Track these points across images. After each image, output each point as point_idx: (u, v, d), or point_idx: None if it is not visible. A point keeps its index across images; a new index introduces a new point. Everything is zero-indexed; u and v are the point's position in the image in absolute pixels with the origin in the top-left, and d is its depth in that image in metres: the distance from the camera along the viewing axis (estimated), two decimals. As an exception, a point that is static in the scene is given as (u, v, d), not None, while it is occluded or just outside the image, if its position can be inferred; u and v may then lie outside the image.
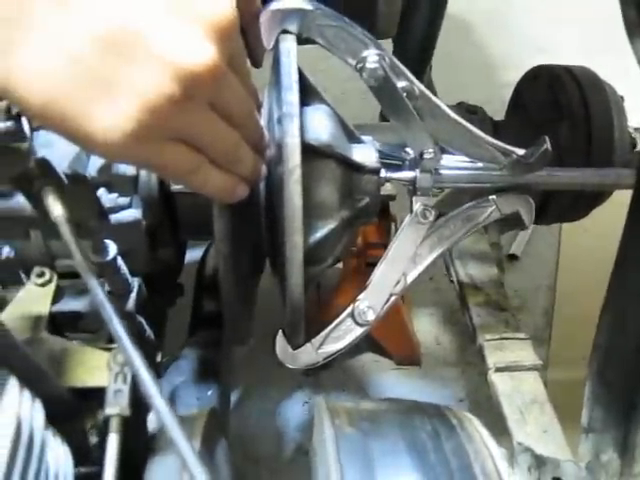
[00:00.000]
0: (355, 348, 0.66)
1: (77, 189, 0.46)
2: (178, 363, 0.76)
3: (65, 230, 0.40)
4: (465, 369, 1.26)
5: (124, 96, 0.36)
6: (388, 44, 1.12)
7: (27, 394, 0.35)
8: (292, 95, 0.52)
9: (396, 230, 1.08)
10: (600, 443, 0.55)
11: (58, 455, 0.38)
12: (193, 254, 0.96)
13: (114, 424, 0.36)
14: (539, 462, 0.61)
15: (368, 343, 1.24)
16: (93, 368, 0.43)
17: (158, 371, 0.74)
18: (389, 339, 1.23)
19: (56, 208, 0.41)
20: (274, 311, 0.64)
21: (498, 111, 1.11)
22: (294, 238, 0.52)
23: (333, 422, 0.45)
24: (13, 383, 0.34)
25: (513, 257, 1.47)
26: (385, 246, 1.10)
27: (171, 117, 0.38)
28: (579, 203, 0.95)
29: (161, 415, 0.30)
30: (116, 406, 0.37)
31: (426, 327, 1.34)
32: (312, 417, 0.56)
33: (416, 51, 1.09)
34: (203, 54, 0.37)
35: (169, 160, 0.41)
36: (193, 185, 0.44)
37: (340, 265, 1.16)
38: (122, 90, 0.36)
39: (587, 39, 1.94)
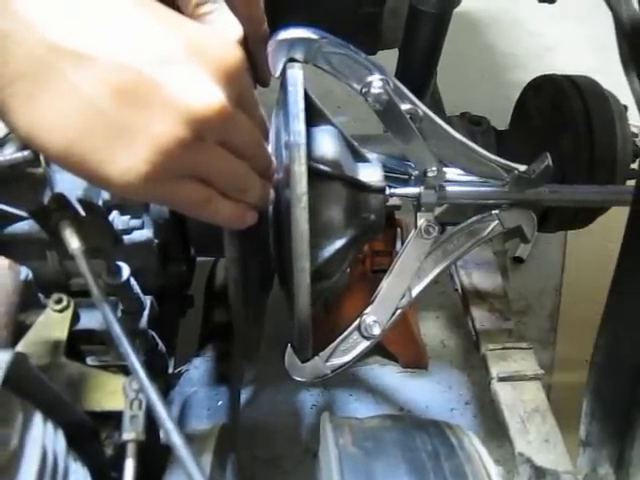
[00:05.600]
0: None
1: (92, 218, 0.48)
2: (189, 373, 0.78)
3: (82, 263, 0.42)
4: (471, 372, 1.27)
5: (138, 140, 0.38)
6: (393, 53, 1.13)
7: (50, 424, 0.37)
8: (299, 124, 0.54)
9: (402, 235, 1.10)
10: (597, 457, 0.57)
11: (79, 479, 0.40)
12: (203, 264, 0.98)
13: (130, 449, 0.39)
14: (539, 473, 0.63)
15: (375, 347, 1.25)
16: (110, 392, 0.45)
17: (170, 382, 0.77)
18: (396, 343, 1.24)
19: (73, 241, 0.43)
20: (284, 315, 0.65)
21: (505, 112, 1.11)
22: (301, 262, 0.54)
23: (337, 442, 0.47)
24: (38, 415, 0.36)
25: (519, 260, 1.48)
26: (391, 253, 1.12)
27: (183, 158, 0.40)
28: (582, 213, 0.96)
29: (176, 449, 0.32)
30: (132, 432, 0.39)
31: (432, 330, 1.35)
32: (319, 421, 0.57)
33: (421, 60, 1.10)
34: (212, 98, 0.39)
35: (181, 196, 0.43)
36: (205, 216, 0.46)
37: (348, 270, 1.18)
38: (136, 135, 0.38)
39: (595, 38, 1.93)
